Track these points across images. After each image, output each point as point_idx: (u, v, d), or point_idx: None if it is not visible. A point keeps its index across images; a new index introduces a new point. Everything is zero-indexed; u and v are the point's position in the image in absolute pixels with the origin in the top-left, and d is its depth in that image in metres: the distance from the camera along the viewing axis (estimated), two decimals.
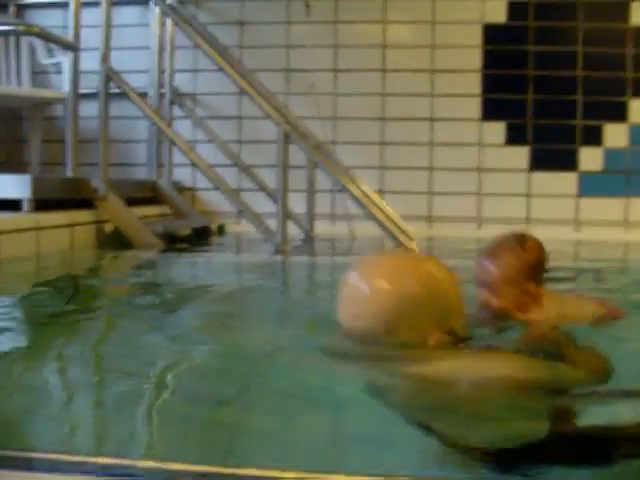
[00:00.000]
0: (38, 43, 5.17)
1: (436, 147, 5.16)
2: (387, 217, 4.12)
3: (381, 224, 3.97)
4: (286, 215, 4.05)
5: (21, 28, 4.07)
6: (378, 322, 1.41)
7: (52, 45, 5.11)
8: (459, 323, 1.50)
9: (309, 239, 4.63)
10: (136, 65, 4.97)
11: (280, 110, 4.19)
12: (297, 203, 4.61)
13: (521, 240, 1.93)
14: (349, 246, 4.74)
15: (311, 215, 4.77)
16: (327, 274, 3.59)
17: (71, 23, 3.96)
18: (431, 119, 5.15)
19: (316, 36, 5.20)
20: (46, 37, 3.92)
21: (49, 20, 5.30)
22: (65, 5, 5.27)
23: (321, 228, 4.87)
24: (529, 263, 1.89)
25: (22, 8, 5.44)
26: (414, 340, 1.42)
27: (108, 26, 4.10)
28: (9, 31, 4.21)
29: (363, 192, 4.19)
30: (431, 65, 5.16)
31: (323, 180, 4.63)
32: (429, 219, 5.14)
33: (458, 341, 1.49)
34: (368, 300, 1.44)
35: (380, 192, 4.89)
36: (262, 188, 4.75)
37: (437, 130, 5.16)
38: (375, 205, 4.17)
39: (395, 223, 4.13)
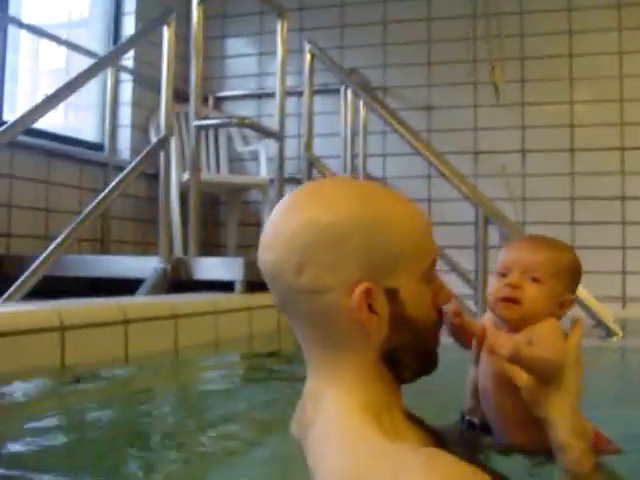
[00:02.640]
0: (235, 132, 5.49)
1: (629, 226, 5.03)
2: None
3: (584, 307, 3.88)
4: (485, 299, 4.02)
5: (235, 121, 4.34)
6: (288, 254, 1.04)
7: (247, 134, 5.42)
8: (410, 289, 1.07)
9: None
10: (324, 150, 5.16)
11: (476, 192, 4.22)
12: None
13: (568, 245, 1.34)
14: None
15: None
16: None
17: (277, 113, 4.17)
18: (622, 197, 5.05)
19: (504, 118, 5.24)
20: (256, 128, 4.16)
21: (243, 110, 5.65)
22: (257, 96, 5.67)
23: None
24: (579, 269, 1.31)
25: (219, 100, 5.81)
26: (334, 288, 1.03)
27: (310, 115, 4.30)
28: (224, 123, 4.52)
29: None
30: (620, 143, 5.08)
31: None
32: (623, 299, 4.99)
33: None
34: (281, 226, 1.07)
35: None
36: (454, 269, 4.77)
37: (629, 209, 5.05)
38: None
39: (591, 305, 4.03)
